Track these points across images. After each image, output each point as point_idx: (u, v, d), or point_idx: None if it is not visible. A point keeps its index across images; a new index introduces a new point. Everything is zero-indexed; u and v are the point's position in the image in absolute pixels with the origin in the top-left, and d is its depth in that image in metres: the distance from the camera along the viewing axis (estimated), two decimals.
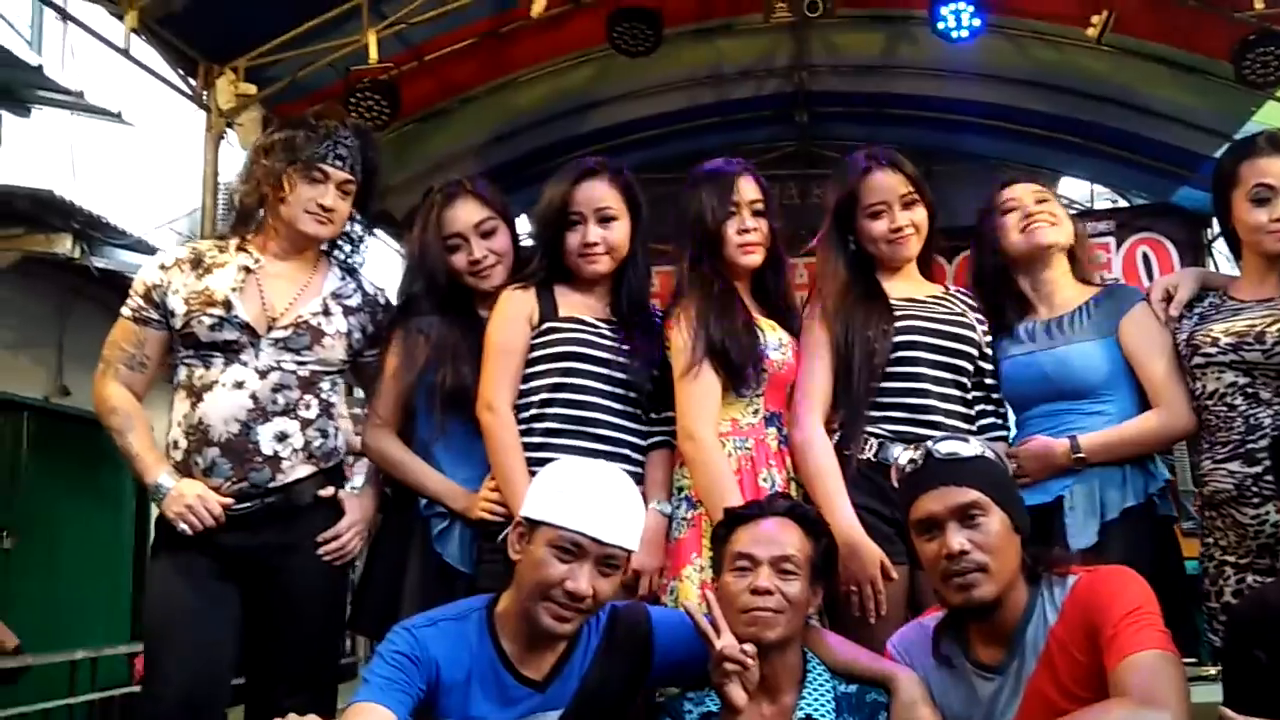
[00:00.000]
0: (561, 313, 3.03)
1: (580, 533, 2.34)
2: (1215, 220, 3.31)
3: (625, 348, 3.02)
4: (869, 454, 2.95)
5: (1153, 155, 7.58)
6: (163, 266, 2.99)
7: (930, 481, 2.41)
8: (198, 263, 3.01)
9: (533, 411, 2.98)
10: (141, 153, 8.41)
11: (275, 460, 2.90)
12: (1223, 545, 2.96)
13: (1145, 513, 2.97)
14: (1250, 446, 2.89)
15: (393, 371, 3.07)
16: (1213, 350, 2.96)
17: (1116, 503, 2.96)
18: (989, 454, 2.50)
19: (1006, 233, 3.17)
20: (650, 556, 2.96)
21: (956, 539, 2.33)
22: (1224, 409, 2.95)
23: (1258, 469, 2.85)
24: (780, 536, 2.47)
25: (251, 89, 5.83)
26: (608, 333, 3.02)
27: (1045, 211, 3.14)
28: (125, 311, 2.98)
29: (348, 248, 3.16)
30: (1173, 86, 6.86)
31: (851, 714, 2.49)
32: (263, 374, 2.91)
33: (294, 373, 2.94)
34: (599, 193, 3.08)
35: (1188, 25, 6.17)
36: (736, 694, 2.37)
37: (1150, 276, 8.10)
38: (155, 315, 2.96)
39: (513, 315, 3.02)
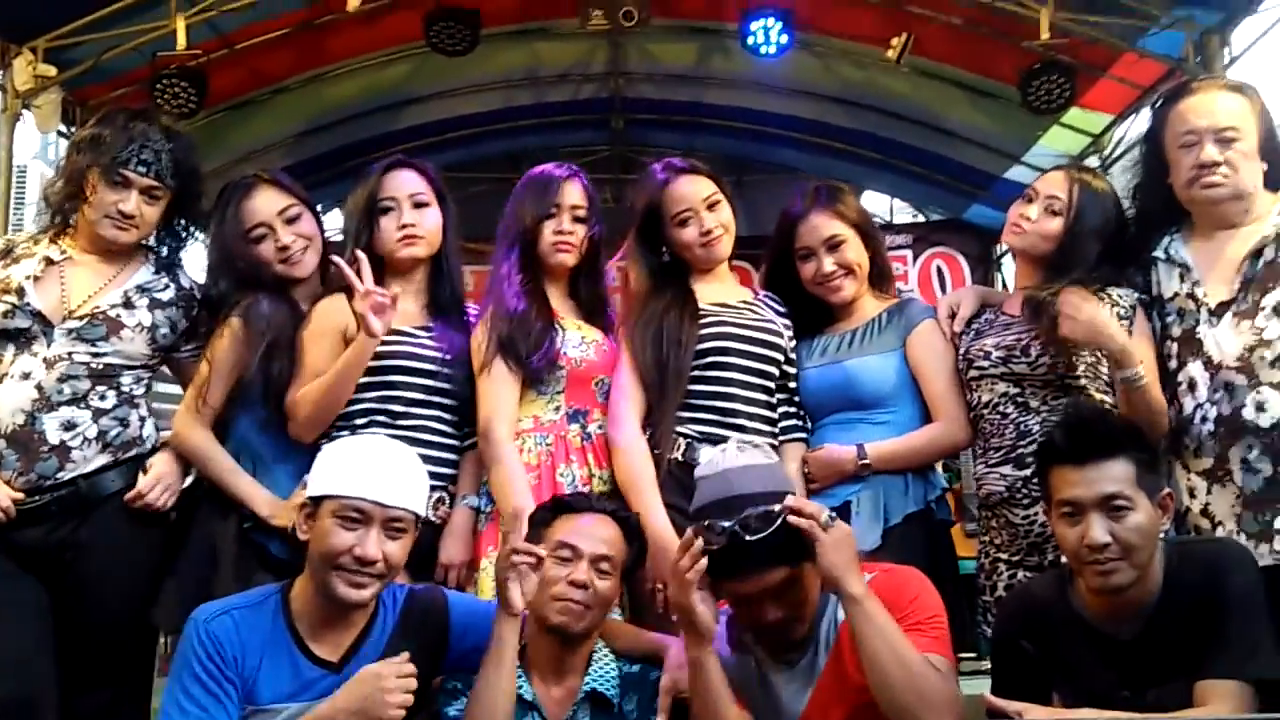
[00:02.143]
0: None
1: (361, 498, 2.37)
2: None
3: (446, 356, 3.04)
4: (677, 454, 3.05)
5: (948, 173, 7.87)
6: None
7: (742, 568, 2.38)
8: (7, 253, 2.97)
9: (356, 423, 2.98)
10: None
11: (63, 450, 2.84)
12: (997, 544, 3.14)
13: (924, 518, 3.13)
14: (1020, 451, 3.06)
15: (232, 362, 2.99)
16: (985, 364, 3.14)
17: (899, 509, 3.10)
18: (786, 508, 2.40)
19: (805, 277, 3.27)
20: (458, 550, 3.00)
21: (771, 613, 2.40)
22: (997, 417, 3.13)
23: (1027, 472, 3.01)
24: (603, 534, 2.58)
25: (51, 70, 5.60)
26: (427, 341, 3.03)
27: (836, 270, 3.21)
28: None
29: (171, 244, 3.10)
30: (967, 108, 7.15)
31: (635, 691, 2.62)
32: (50, 364, 2.85)
33: (86, 364, 2.88)
34: (410, 180, 3.11)
35: (980, 51, 6.44)
36: (515, 594, 2.42)
37: (944, 288, 8.40)
38: None
39: (328, 329, 3.00)
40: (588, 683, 2.58)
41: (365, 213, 3.08)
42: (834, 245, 3.21)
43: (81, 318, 2.91)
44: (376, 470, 2.43)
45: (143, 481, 2.92)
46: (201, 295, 3.11)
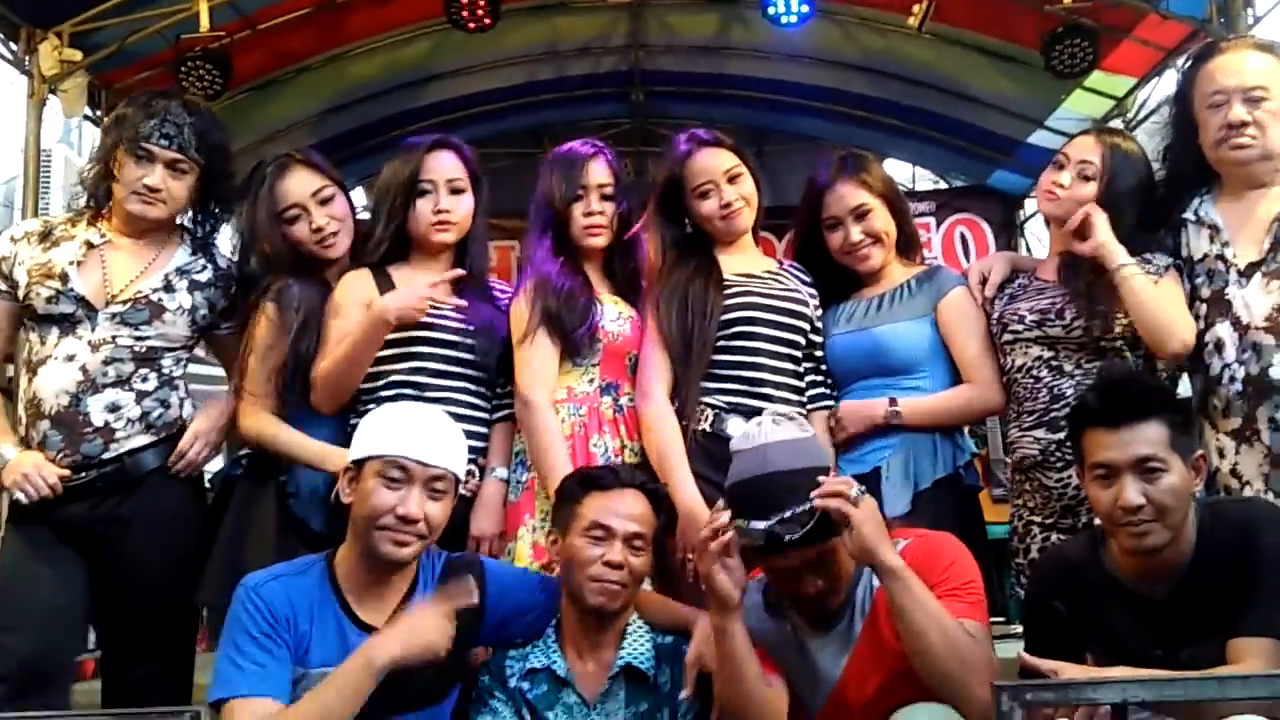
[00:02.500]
0: None
1: (404, 456, 2.42)
2: (1027, 204, 3.53)
3: (470, 326, 3.08)
4: (705, 425, 3.07)
5: (971, 139, 7.86)
6: (12, 239, 3.00)
7: (751, 507, 2.42)
8: (46, 236, 3.01)
9: (383, 395, 3.01)
10: None
11: (108, 430, 2.90)
12: (1030, 507, 3.16)
13: (953, 483, 3.16)
14: (1054, 415, 3.08)
15: (269, 346, 3.03)
16: (1019, 327, 3.16)
17: (929, 474, 3.13)
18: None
19: (833, 246, 3.29)
20: (489, 522, 3.04)
21: (809, 585, 2.44)
22: (1030, 381, 3.15)
23: (1060, 435, 3.02)
24: (634, 511, 2.59)
25: (76, 55, 5.63)
26: (450, 313, 3.04)
27: (864, 240, 3.23)
28: None
29: (207, 225, 3.14)
30: (989, 74, 7.12)
31: (668, 663, 2.63)
32: (95, 347, 2.90)
33: (130, 347, 2.93)
34: (450, 164, 3.13)
35: (1002, 16, 6.41)
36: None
37: (968, 255, 8.38)
38: (4, 287, 2.97)
39: (351, 301, 3.04)
40: (622, 656, 2.60)
41: (405, 190, 3.10)
42: (861, 214, 3.23)
43: (125, 302, 2.96)
44: (418, 431, 2.48)
45: (184, 440, 2.98)
46: (235, 273, 3.14)
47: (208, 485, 3.29)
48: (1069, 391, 3.05)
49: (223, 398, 3.12)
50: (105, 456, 2.90)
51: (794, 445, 2.50)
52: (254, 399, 3.04)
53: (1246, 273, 2.91)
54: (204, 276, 3.08)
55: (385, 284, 3.06)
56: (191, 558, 2.99)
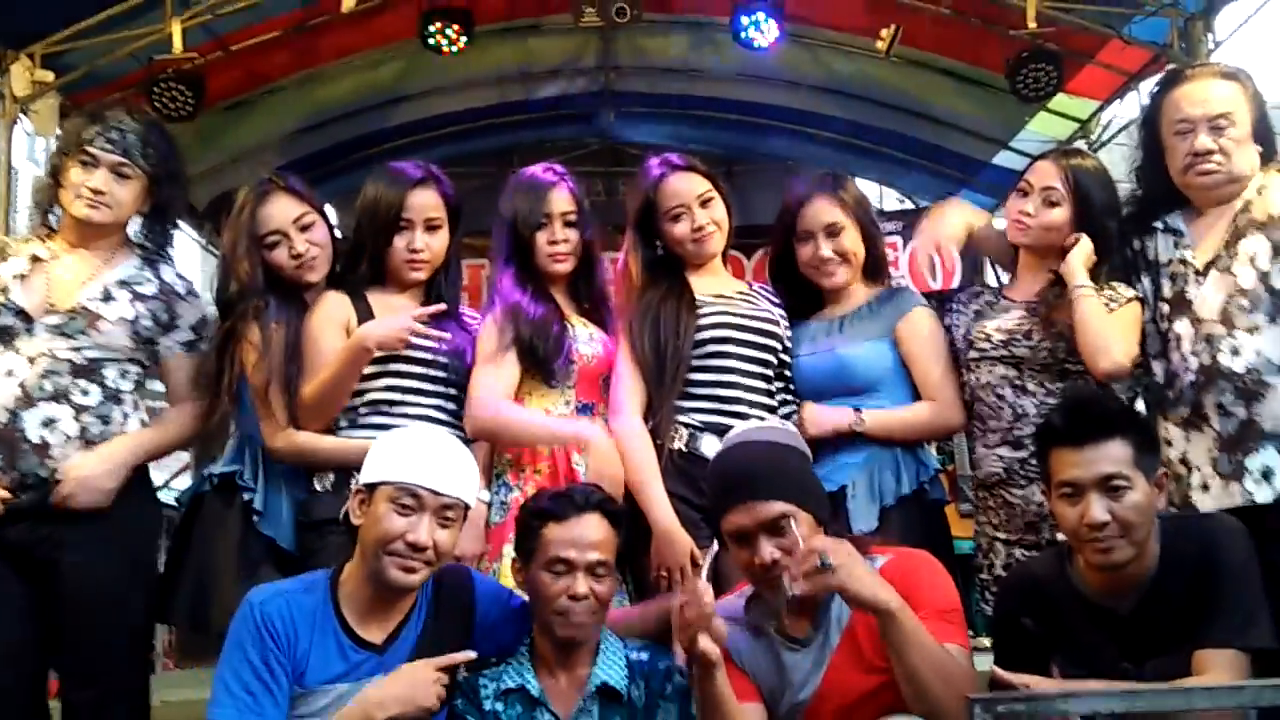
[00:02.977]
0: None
1: (417, 485, 2.43)
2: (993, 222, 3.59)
3: (443, 348, 3.10)
4: (680, 444, 3.10)
5: (937, 161, 7.92)
6: None
7: (739, 496, 2.52)
8: (1, 254, 3.00)
9: (362, 410, 3.05)
10: None
11: (43, 447, 2.85)
12: (994, 523, 3.17)
13: (918, 498, 3.17)
14: (1017, 433, 3.10)
15: (255, 365, 3.03)
16: (986, 345, 3.18)
17: (893, 490, 3.13)
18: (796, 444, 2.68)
19: (801, 259, 3.31)
20: (472, 542, 3.04)
21: (764, 549, 2.46)
22: (994, 399, 3.17)
23: (1024, 453, 3.05)
24: (594, 538, 2.53)
25: (49, 76, 5.62)
26: (427, 331, 3.03)
27: (833, 258, 3.25)
28: None
29: (156, 237, 3.11)
30: (955, 97, 7.19)
31: (643, 680, 2.61)
32: (32, 360, 2.87)
33: (68, 360, 2.89)
34: (431, 203, 3.15)
35: (968, 40, 6.49)
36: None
37: (934, 275, 8.40)
38: None
39: (328, 321, 3.07)
40: (596, 675, 2.57)
41: (386, 225, 3.13)
42: (833, 231, 3.24)
43: (61, 313, 2.91)
44: (431, 459, 2.49)
45: (60, 487, 2.84)
46: (215, 296, 3.13)
47: (175, 502, 3.27)
48: (1031, 411, 3.07)
49: (162, 418, 3.06)
50: (42, 474, 2.84)
51: (774, 433, 2.65)
52: (272, 420, 3.02)
53: (1204, 271, 2.94)
54: (148, 289, 3.02)
55: (362, 307, 3.08)
56: (140, 576, 2.96)
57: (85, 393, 2.90)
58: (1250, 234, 2.91)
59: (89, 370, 2.91)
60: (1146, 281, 3.07)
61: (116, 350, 2.95)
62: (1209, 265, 2.94)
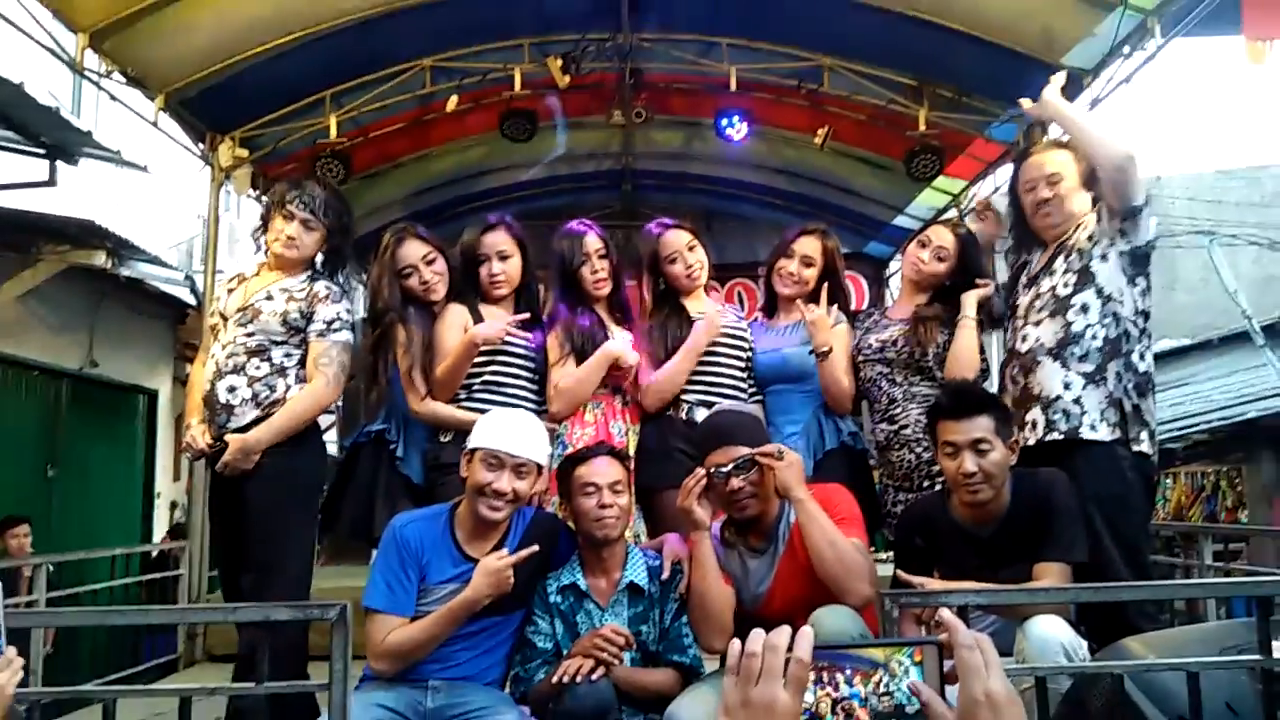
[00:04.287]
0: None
1: (497, 449, 2.44)
2: (890, 264, 3.58)
3: (532, 346, 3.11)
4: (682, 414, 3.13)
5: (854, 220, 7.84)
6: (227, 287, 3.08)
7: (714, 442, 2.55)
8: (233, 278, 3.08)
9: (475, 388, 3.07)
10: (160, 194, 8.06)
11: (229, 407, 2.87)
12: (886, 475, 3.22)
13: (844, 450, 3.20)
14: (891, 412, 3.15)
15: (404, 353, 3.06)
16: (868, 352, 3.22)
17: (821, 446, 3.19)
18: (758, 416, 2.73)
19: (777, 270, 3.33)
20: (539, 481, 3.07)
21: (735, 481, 2.51)
22: (875, 389, 3.21)
23: (896, 426, 3.11)
24: (609, 469, 2.58)
25: (245, 153, 5.62)
26: (518, 333, 3.08)
27: (795, 274, 3.29)
28: None
29: (329, 267, 3.11)
30: (868, 177, 7.13)
31: (656, 579, 2.64)
32: (224, 346, 2.90)
33: (244, 344, 2.89)
34: (498, 238, 3.16)
35: (877, 137, 6.43)
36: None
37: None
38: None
39: (452, 324, 3.08)
40: (625, 576, 2.59)
41: (470, 260, 3.14)
42: (806, 262, 3.28)
43: (238, 311, 2.93)
44: (509, 431, 2.50)
45: (229, 449, 2.83)
46: (366, 311, 3.13)
47: (344, 447, 3.27)
48: (899, 396, 3.12)
49: (290, 402, 2.91)
50: (230, 426, 2.86)
51: (739, 408, 2.79)
52: (414, 393, 3.03)
53: (1028, 286, 2.97)
54: (300, 293, 2.98)
55: (474, 314, 3.11)
56: (299, 500, 2.91)
57: (257, 367, 2.89)
58: (1057, 259, 2.90)
59: (259, 351, 2.90)
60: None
61: (273, 333, 2.92)
62: (1031, 280, 2.94)
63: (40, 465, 6.92)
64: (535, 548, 2.47)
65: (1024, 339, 2.87)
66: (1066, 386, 2.77)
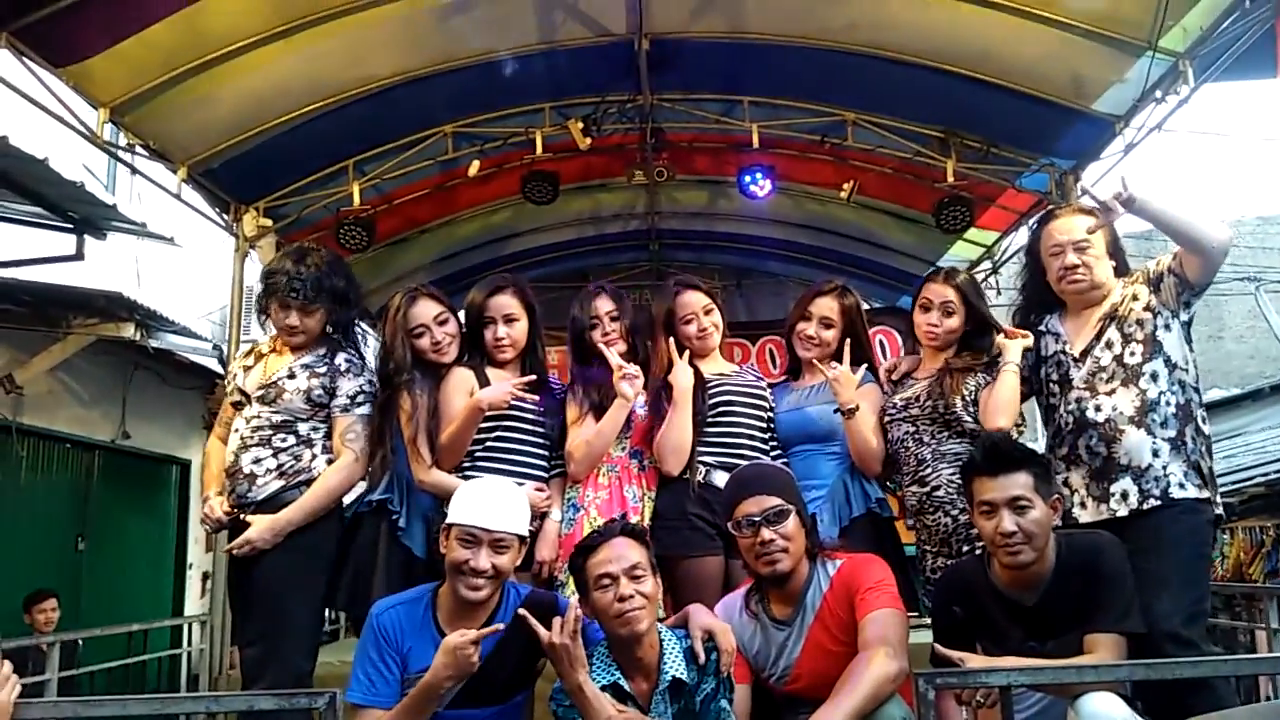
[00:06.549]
0: None
1: (471, 524, 2.32)
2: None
3: (540, 409, 3.03)
4: (700, 478, 3.00)
5: (884, 275, 7.77)
6: (242, 365, 3.08)
7: (744, 492, 2.46)
8: (248, 354, 3.08)
9: (477, 453, 2.99)
10: (186, 266, 8.18)
11: (252, 477, 2.83)
12: (923, 539, 3.08)
13: (870, 518, 3.06)
14: (921, 474, 3.01)
15: (407, 422, 2.97)
16: (893, 411, 3.10)
17: (847, 513, 3.06)
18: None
19: (797, 331, 3.25)
20: (548, 549, 2.97)
21: (765, 532, 2.41)
22: (903, 450, 3.07)
23: (927, 489, 2.97)
24: (625, 552, 2.32)
25: (269, 222, 5.68)
26: (525, 402, 3.00)
27: (815, 337, 3.21)
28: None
29: (339, 336, 3.04)
30: (897, 230, 7.07)
31: (694, 663, 2.35)
32: (248, 420, 2.88)
33: (268, 419, 2.87)
34: (505, 301, 3.09)
35: (905, 190, 6.38)
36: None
37: (885, 354, 8.28)
38: (238, 397, 3.02)
39: (457, 388, 3.01)
40: (665, 671, 2.31)
41: (475, 323, 3.09)
42: (826, 324, 3.18)
43: (261, 388, 2.92)
44: (484, 503, 2.37)
45: (242, 537, 2.79)
46: (377, 371, 3.04)
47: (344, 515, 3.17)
48: (927, 456, 2.99)
49: (321, 478, 2.87)
50: (252, 497, 2.84)
51: (771, 464, 2.76)
52: (420, 462, 2.96)
53: (1080, 359, 2.86)
54: (321, 368, 2.95)
55: (481, 378, 3.04)
56: (304, 576, 2.84)
57: (283, 440, 2.87)
58: (1109, 330, 2.82)
59: (284, 425, 2.89)
60: (1041, 371, 2.97)
61: (298, 411, 2.91)
62: (1083, 353, 2.85)
63: (71, 538, 6.91)
64: (498, 626, 2.30)
65: (1097, 409, 2.77)
66: (1155, 454, 2.72)
